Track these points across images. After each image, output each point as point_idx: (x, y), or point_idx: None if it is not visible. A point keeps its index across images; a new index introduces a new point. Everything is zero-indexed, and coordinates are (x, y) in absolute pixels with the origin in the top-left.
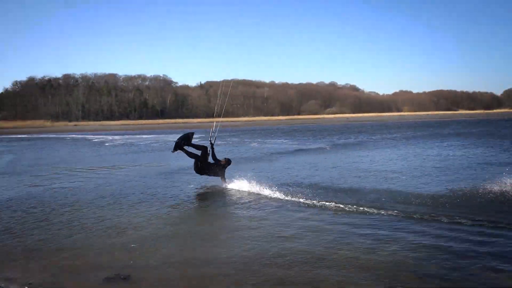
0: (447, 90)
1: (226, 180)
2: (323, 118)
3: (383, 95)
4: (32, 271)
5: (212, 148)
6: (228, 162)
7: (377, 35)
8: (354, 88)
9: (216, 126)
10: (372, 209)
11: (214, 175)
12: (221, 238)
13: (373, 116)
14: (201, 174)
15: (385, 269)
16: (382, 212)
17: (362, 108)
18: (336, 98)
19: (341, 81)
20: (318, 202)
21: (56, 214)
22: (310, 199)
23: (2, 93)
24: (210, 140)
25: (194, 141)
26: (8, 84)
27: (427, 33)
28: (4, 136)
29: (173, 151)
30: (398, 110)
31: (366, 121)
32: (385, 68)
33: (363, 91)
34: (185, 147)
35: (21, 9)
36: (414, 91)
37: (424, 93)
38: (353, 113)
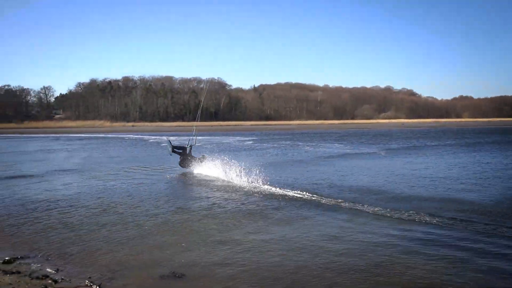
0: (511, 96)
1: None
2: (378, 123)
3: (442, 100)
4: (90, 265)
5: (190, 149)
6: (204, 157)
7: (436, 39)
8: (410, 93)
9: (195, 130)
10: (428, 217)
11: (189, 168)
12: (275, 242)
13: (430, 122)
14: (183, 167)
15: None
16: (435, 222)
17: (418, 113)
18: (392, 103)
19: (397, 86)
20: (369, 208)
21: (112, 211)
22: (362, 206)
23: (66, 94)
24: (187, 144)
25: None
26: (72, 86)
27: (490, 36)
28: (67, 135)
29: (170, 154)
30: (458, 116)
31: (423, 127)
32: (444, 73)
33: (420, 96)
34: (176, 149)
35: (85, 15)
36: (475, 96)
37: (486, 99)
38: (409, 118)
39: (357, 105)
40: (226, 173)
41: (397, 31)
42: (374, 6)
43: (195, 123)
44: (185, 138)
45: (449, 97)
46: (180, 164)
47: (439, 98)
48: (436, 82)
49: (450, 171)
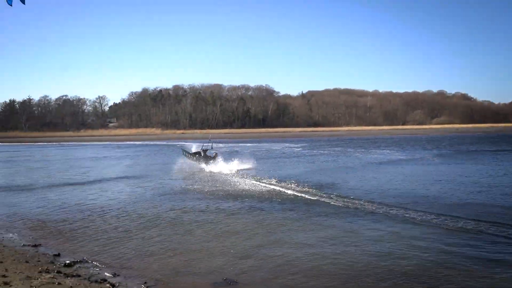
0: None
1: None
2: (430, 128)
3: (499, 104)
4: (145, 270)
5: (205, 152)
6: (216, 155)
7: (492, 40)
8: (465, 97)
9: (211, 137)
10: (486, 228)
11: (206, 164)
12: (324, 250)
13: (486, 127)
14: (200, 163)
15: None
16: (492, 231)
17: (474, 118)
18: (445, 108)
19: (450, 90)
20: (420, 216)
21: (163, 217)
22: (414, 212)
23: (119, 103)
24: (201, 148)
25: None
26: (125, 95)
27: None
28: (121, 143)
29: (193, 159)
30: None
31: (478, 132)
32: (501, 75)
33: (475, 100)
34: (196, 154)
35: (137, 27)
36: None
37: None
38: (464, 123)
39: (408, 110)
40: (275, 180)
41: (451, 33)
42: (423, 9)
43: (211, 131)
44: (232, 145)
45: (507, 101)
46: (197, 162)
47: (496, 102)
48: (493, 85)
49: (509, 178)
